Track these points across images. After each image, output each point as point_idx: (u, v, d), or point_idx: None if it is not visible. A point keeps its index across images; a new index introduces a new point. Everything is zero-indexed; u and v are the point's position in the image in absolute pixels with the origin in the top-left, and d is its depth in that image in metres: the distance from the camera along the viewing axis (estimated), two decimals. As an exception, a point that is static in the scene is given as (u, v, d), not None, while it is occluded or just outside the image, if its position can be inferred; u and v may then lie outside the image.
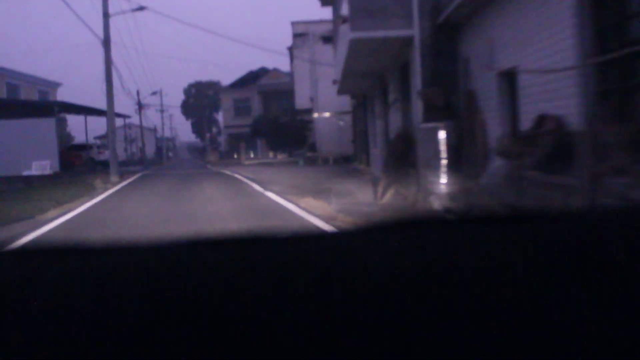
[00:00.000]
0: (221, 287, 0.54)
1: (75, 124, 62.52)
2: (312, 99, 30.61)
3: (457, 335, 0.44)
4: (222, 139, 48.96)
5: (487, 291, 0.51)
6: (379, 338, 0.44)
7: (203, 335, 0.45)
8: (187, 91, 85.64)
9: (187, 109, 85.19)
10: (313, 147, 31.05)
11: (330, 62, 30.76)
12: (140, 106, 35.43)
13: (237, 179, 18.32)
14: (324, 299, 0.50)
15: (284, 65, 47.86)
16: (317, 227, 7.46)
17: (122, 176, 21.06)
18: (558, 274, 0.54)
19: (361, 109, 20.96)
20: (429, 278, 0.55)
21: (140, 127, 37.14)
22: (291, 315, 0.47)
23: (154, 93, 37.00)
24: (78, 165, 28.01)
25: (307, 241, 0.78)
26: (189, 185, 16.17)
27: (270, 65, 48.27)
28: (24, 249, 0.86)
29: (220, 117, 65.06)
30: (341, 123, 27.01)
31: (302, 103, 30.76)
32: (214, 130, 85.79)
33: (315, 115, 30.46)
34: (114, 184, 16.81)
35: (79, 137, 37.53)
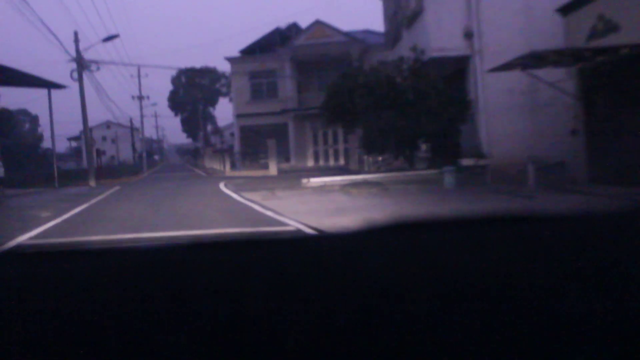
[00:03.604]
0: (221, 289, 0.54)
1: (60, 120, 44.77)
2: (468, 35, 13.29)
3: (457, 335, 0.44)
4: (234, 133, 31.25)
5: (487, 291, 0.51)
6: (378, 338, 0.44)
7: (202, 336, 0.45)
8: (176, 80, 69.82)
9: (176, 102, 69.69)
10: (455, 146, 13.67)
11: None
12: (80, 63, 17.86)
13: None
14: (323, 300, 0.51)
15: (333, 17, 29.66)
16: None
17: None
18: (558, 274, 0.54)
19: None
20: (429, 278, 0.55)
21: (81, 98, 18.90)
22: (291, 315, 0.48)
23: (109, 39, 19.12)
24: None
25: (306, 243, 0.76)
26: None
27: (304, 21, 30.26)
28: (25, 249, 0.82)
29: (219, 109, 48.18)
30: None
31: (444, 44, 13.38)
32: (210, 128, 70.10)
33: (477, 68, 13.10)
34: None
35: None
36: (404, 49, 15.71)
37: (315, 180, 13.47)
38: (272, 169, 24.10)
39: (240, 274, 0.58)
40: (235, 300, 0.51)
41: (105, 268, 0.63)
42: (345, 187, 12.46)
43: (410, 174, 13.50)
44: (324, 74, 29.73)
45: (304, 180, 13.54)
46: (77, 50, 17.98)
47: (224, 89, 67.35)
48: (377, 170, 16.35)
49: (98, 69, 18.99)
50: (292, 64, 29.11)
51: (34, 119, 76.38)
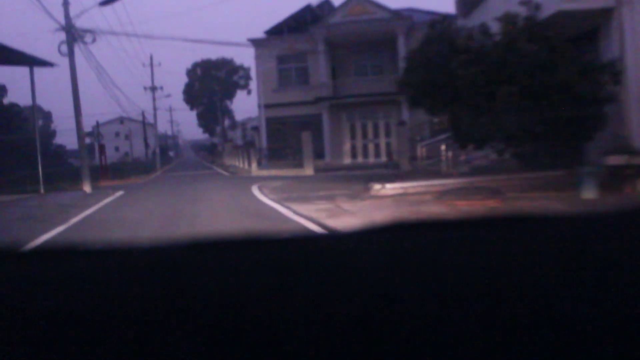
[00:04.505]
0: (222, 289, 0.54)
1: (66, 116, 41.52)
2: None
3: (456, 335, 0.44)
4: (260, 125, 27.37)
5: (487, 291, 0.51)
6: (377, 339, 0.44)
7: (204, 336, 0.46)
8: (191, 72, 66.39)
9: (192, 95, 66.32)
10: (576, 138, 9.58)
11: None
12: (70, 32, 14.11)
13: None
14: (324, 299, 0.51)
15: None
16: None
17: None
18: (558, 274, 0.54)
19: None
20: (428, 278, 0.55)
21: (72, 77, 14.74)
22: (291, 315, 0.48)
23: (107, 2, 15.21)
24: None
25: (307, 242, 0.76)
26: None
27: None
28: (28, 251, 0.84)
29: (236, 103, 44.24)
30: None
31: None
32: (227, 122, 66.55)
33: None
34: None
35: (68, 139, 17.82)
36: (491, 12, 11.74)
37: (392, 187, 9.56)
38: (308, 168, 20.22)
39: (241, 273, 0.57)
40: (236, 300, 0.50)
41: (105, 268, 0.62)
42: (442, 197, 8.55)
43: (525, 176, 9.52)
44: (362, 56, 25.80)
45: (376, 186, 9.62)
46: (67, 16, 14.11)
47: (241, 82, 63.76)
48: (455, 172, 12.41)
49: (94, 40, 15.28)
50: (326, 46, 25.16)
51: (47, 115, 73.44)
